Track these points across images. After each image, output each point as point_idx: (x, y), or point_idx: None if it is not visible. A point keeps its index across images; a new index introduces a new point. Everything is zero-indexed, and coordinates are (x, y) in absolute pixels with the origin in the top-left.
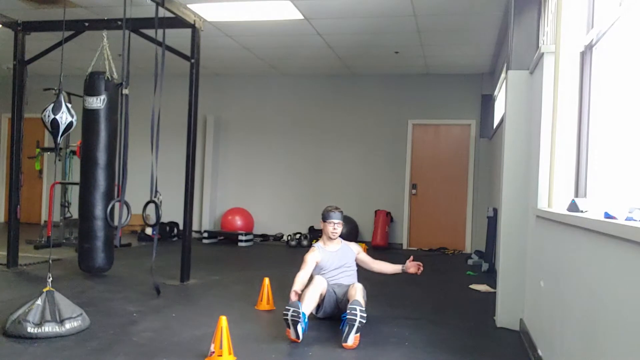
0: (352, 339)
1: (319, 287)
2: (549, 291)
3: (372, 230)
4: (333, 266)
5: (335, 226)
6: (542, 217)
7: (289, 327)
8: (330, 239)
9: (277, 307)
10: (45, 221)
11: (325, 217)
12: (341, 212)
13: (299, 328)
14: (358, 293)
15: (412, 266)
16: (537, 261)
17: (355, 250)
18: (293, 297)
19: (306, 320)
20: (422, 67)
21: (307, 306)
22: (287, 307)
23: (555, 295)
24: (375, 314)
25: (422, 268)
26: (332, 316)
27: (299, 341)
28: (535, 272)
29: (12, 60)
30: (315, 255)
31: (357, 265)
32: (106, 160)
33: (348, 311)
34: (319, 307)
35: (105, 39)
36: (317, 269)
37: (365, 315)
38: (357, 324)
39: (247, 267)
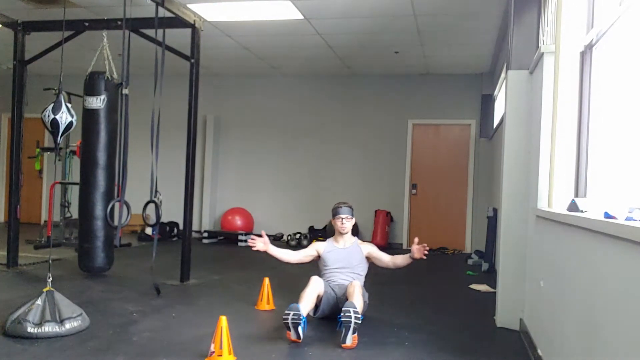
0: (350, 340)
1: (316, 288)
2: (549, 291)
3: (372, 230)
4: (337, 264)
5: (343, 221)
6: (542, 217)
7: (289, 330)
8: (340, 234)
9: (277, 307)
10: (45, 221)
11: (334, 213)
12: (350, 207)
13: (300, 329)
14: (356, 291)
15: (416, 251)
16: (537, 261)
17: (365, 251)
18: (255, 240)
19: (306, 324)
20: (422, 67)
21: (305, 306)
22: (286, 312)
23: (555, 295)
24: (375, 314)
25: (427, 250)
26: (330, 316)
27: (300, 341)
28: (535, 272)
29: (12, 60)
30: (317, 245)
31: (372, 263)
32: (106, 160)
33: (342, 313)
34: (316, 308)
35: (105, 39)
36: (321, 263)
37: (359, 315)
38: (352, 325)
39: (247, 267)
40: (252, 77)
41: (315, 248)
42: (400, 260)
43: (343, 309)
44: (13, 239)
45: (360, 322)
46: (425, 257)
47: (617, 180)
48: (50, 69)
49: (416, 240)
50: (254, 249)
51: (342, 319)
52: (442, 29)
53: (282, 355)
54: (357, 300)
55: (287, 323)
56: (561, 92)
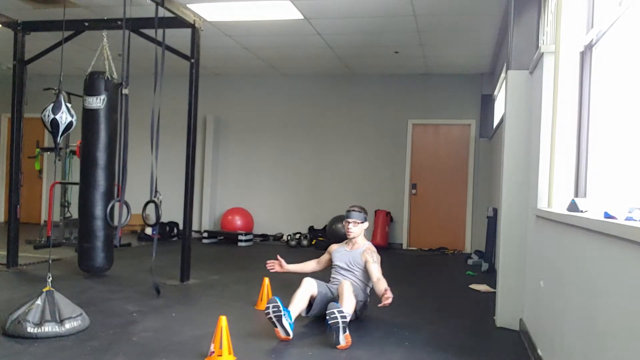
0: (343, 339)
1: (307, 290)
2: (549, 291)
3: (371, 230)
4: (340, 264)
5: (349, 225)
6: (542, 217)
7: (276, 326)
8: (348, 238)
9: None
10: (45, 221)
11: (344, 217)
12: (359, 210)
13: (285, 323)
14: (346, 291)
15: (382, 298)
16: (537, 261)
17: (363, 259)
18: (272, 262)
19: (291, 316)
20: (422, 67)
21: (295, 307)
22: (266, 306)
23: (555, 295)
24: (375, 313)
25: (387, 302)
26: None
27: (290, 339)
28: (535, 272)
29: (12, 60)
30: (332, 245)
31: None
32: (106, 160)
33: (327, 317)
34: (309, 307)
35: (105, 39)
36: (332, 261)
37: (344, 313)
38: (340, 324)
39: (247, 267)
40: (252, 77)
41: (329, 250)
42: (378, 287)
43: (327, 312)
44: (13, 239)
45: (347, 319)
46: (385, 305)
47: (617, 180)
48: (50, 69)
49: (388, 293)
50: (272, 270)
51: (329, 322)
52: (442, 29)
53: (281, 355)
54: (347, 300)
55: (271, 318)
56: (561, 92)
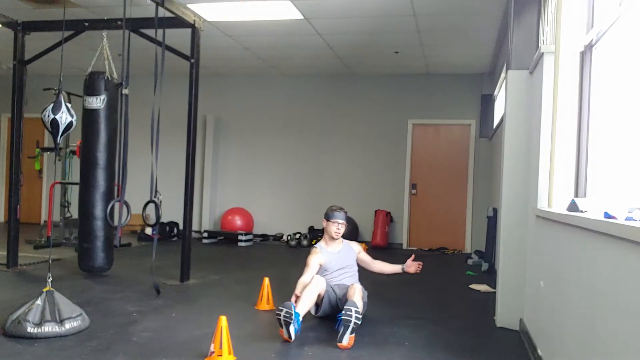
0: (347, 339)
1: (317, 288)
2: (549, 291)
3: (371, 230)
4: (336, 267)
5: (339, 226)
6: (542, 217)
7: (282, 327)
8: (332, 238)
9: (277, 307)
10: (45, 221)
11: (329, 217)
12: (345, 212)
13: (292, 329)
14: (357, 294)
15: (412, 265)
16: (537, 261)
17: (356, 250)
18: (294, 301)
19: (300, 321)
20: (422, 67)
21: (303, 306)
22: (280, 307)
23: (555, 295)
24: (375, 314)
25: (421, 266)
26: (330, 315)
27: (292, 341)
28: (535, 272)
29: (12, 60)
30: (318, 257)
31: (358, 264)
32: (106, 160)
33: (343, 312)
34: (318, 307)
35: (105, 39)
36: (321, 271)
37: (360, 316)
38: (352, 324)
39: (247, 267)
40: (252, 77)
41: (318, 261)
42: (389, 269)
43: (345, 307)
44: (13, 239)
45: (360, 323)
46: (418, 271)
47: (617, 180)
48: (50, 69)
49: (412, 256)
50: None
51: (342, 317)
52: (442, 29)
53: (281, 355)
54: (358, 302)
55: (280, 319)
56: (561, 92)
